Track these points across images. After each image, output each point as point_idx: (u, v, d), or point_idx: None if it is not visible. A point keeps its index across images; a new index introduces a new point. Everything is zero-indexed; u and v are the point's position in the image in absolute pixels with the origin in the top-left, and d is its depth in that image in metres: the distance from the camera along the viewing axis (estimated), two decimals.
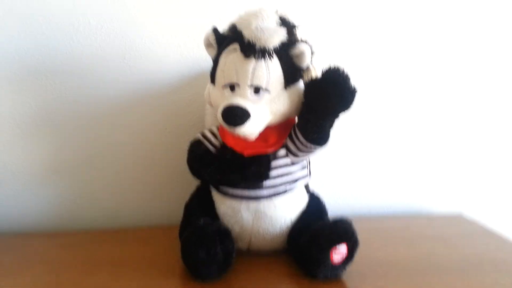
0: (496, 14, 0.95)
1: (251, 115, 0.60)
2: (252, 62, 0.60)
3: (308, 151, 0.68)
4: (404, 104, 0.96)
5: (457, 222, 0.92)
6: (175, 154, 0.93)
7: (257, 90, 0.62)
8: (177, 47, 0.88)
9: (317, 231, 0.64)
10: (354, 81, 0.58)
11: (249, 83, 0.61)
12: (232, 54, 0.62)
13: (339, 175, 0.98)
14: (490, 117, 0.98)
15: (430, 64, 0.95)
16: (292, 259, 0.71)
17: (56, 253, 0.76)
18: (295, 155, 0.69)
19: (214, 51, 0.67)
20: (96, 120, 0.90)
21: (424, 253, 0.74)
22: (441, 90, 0.96)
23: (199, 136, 0.71)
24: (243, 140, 0.65)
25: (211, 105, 0.71)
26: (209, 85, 0.70)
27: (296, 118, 0.68)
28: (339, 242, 0.62)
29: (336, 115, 0.62)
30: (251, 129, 0.62)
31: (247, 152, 0.66)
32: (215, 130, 0.72)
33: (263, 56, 0.60)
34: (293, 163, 0.70)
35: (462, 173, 1.00)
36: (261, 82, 0.61)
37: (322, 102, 0.60)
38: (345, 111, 0.60)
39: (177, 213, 0.93)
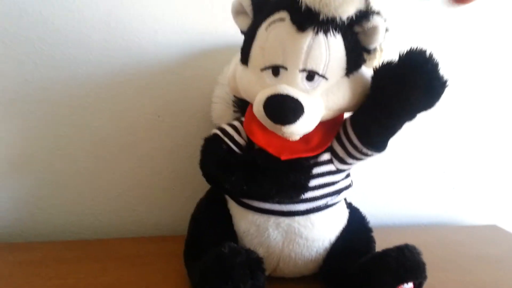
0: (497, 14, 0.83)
1: (305, 109, 0.44)
2: (308, 38, 0.44)
3: (360, 157, 0.53)
4: (438, 113, 0.82)
5: (494, 234, 0.81)
6: (168, 148, 0.75)
7: (310, 76, 0.46)
8: (176, 14, 0.70)
9: (377, 262, 0.50)
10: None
11: (301, 66, 0.45)
12: (278, 26, 0.45)
13: (367, 181, 0.84)
14: None
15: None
16: None
17: (13, 272, 0.59)
18: (342, 161, 0.54)
19: (247, 21, 0.50)
20: (69, 102, 0.70)
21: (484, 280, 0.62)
22: (474, 102, 0.84)
23: (217, 132, 0.54)
24: (280, 140, 0.50)
25: (236, 92, 0.54)
26: (236, 65, 0.53)
27: (348, 115, 0.53)
28: (407, 279, 0.48)
29: (415, 114, 0.46)
30: (302, 129, 0.46)
31: (285, 156, 0.50)
32: (237, 124, 0.55)
33: (325, 30, 0.44)
34: (337, 171, 0.54)
35: (493, 184, 0.89)
36: (318, 66, 0.45)
37: (400, 95, 0.44)
38: (429, 108, 0.45)
39: (168, 222, 0.78)
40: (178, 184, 0.77)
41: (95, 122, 0.72)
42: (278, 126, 0.45)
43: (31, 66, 0.67)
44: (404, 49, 0.44)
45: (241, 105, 0.61)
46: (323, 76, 0.46)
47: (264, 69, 0.47)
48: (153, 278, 0.59)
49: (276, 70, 0.46)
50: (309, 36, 0.44)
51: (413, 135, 0.82)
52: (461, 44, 0.80)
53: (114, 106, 0.72)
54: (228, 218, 0.56)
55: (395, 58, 0.45)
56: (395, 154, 0.83)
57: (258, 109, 0.46)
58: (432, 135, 0.83)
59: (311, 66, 0.45)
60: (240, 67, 0.51)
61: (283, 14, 0.45)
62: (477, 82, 0.83)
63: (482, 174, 0.88)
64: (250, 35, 0.49)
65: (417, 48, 0.44)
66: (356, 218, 0.60)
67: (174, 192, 0.77)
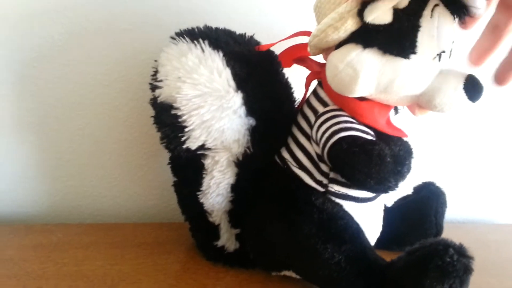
0: None
1: None
2: (453, 19, 0.43)
3: None
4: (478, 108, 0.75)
5: None
6: None
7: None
8: None
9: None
10: None
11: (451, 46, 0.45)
12: (438, 11, 0.42)
13: None
14: None
15: None
16: None
17: (28, 257, 0.56)
18: None
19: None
20: (85, 79, 0.67)
21: None
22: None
23: (355, 133, 0.45)
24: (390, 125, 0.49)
25: (362, 91, 0.44)
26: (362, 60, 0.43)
27: None
28: None
29: None
30: None
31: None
32: (347, 118, 0.46)
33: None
34: None
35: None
36: None
37: None
38: None
39: None
40: None
41: (116, 102, 0.68)
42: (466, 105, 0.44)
43: None
44: None
45: None
46: None
47: (435, 57, 0.43)
48: (172, 269, 0.56)
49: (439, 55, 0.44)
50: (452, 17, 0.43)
51: (450, 127, 0.77)
52: None
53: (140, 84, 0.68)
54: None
55: None
56: (430, 147, 0.78)
57: (458, 95, 0.43)
58: (471, 128, 0.78)
59: None
60: (391, 61, 0.43)
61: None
62: None
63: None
64: (409, 25, 0.42)
65: None
66: None
67: None
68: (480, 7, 0.40)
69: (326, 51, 0.45)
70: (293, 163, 0.50)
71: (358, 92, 0.43)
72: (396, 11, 0.40)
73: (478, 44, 0.45)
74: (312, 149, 0.49)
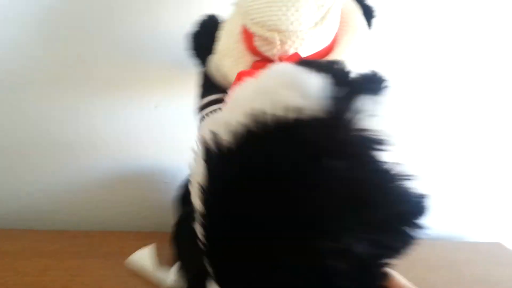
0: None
1: None
2: None
3: None
4: (446, 128, 0.76)
5: (498, 253, 0.76)
6: (164, 140, 0.71)
7: None
8: None
9: None
10: None
11: None
12: None
13: None
14: None
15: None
16: None
17: None
18: None
19: None
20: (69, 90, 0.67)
21: None
22: (484, 118, 0.77)
23: None
24: None
25: None
26: None
27: None
28: None
29: None
30: None
31: None
32: None
33: None
34: None
35: (499, 201, 0.83)
36: None
37: None
38: None
39: (158, 216, 0.75)
40: (171, 177, 0.73)
41: (89, 109, 0.68)
42: None
43: None
44: None
45: None
46: None
47: None
48: (133, 281, 0.56)
49: None
50: None
51: (420, 144, 0.77)
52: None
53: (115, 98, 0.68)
54: None
55: None
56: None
57: None
58: (439, 148, 0.78)
59: None
60: None
61: None
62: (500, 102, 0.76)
63: (489, 190, 0.82)
64: None
65: None
66: None
67: (166, 185, 0.73)
68: None
69: None
70: None
71: None
72: None
73: None
74: None
